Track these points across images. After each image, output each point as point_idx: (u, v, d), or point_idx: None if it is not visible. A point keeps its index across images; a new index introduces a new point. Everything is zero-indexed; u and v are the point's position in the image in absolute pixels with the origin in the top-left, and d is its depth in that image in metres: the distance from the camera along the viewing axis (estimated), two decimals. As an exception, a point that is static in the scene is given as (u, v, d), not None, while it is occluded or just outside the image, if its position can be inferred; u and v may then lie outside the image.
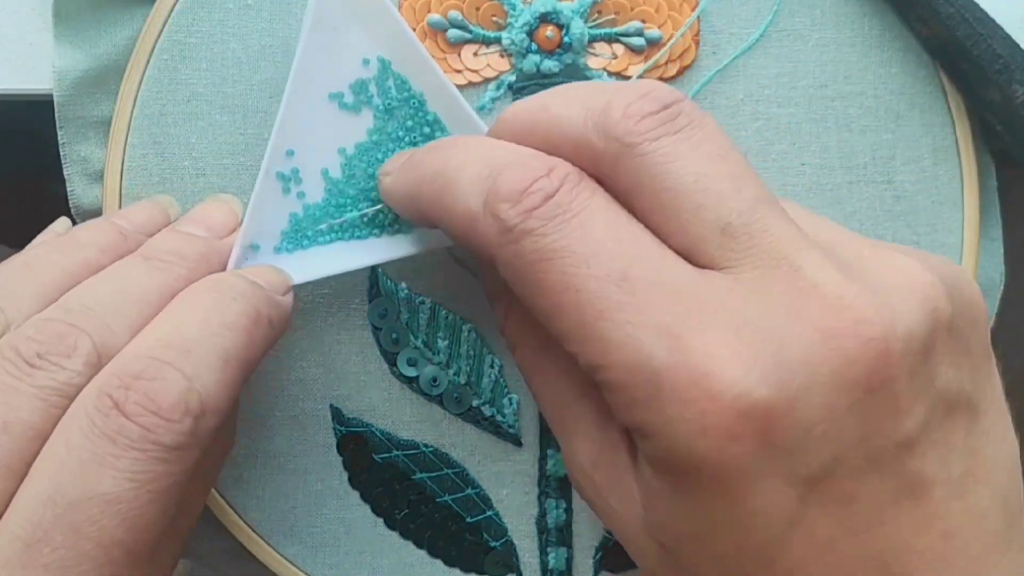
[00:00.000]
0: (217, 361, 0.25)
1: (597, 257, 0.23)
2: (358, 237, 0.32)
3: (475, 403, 0.34)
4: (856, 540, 0.23)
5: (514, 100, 0.33)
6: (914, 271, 0.24)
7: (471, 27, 0.33)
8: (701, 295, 0.22)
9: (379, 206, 0.31)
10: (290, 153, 0.31)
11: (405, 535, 0.35)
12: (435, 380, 0.34)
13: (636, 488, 0.24)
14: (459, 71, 0.33)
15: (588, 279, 0.23)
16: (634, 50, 0.33)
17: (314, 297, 0.34)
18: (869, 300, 0.23)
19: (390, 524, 0.35)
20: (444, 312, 0.34)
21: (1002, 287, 0.36)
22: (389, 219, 0.32)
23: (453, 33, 0.33)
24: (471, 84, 0.33)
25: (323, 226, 0.31)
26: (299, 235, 0.31)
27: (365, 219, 0.31)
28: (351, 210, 0.31)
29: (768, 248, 0.23)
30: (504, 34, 0.33)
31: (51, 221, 0.32)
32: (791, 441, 0.22)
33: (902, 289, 0.23)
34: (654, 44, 0.33)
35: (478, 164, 0.25)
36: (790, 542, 0.23)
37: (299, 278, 0.31)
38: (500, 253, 0.24)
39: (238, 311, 0.26)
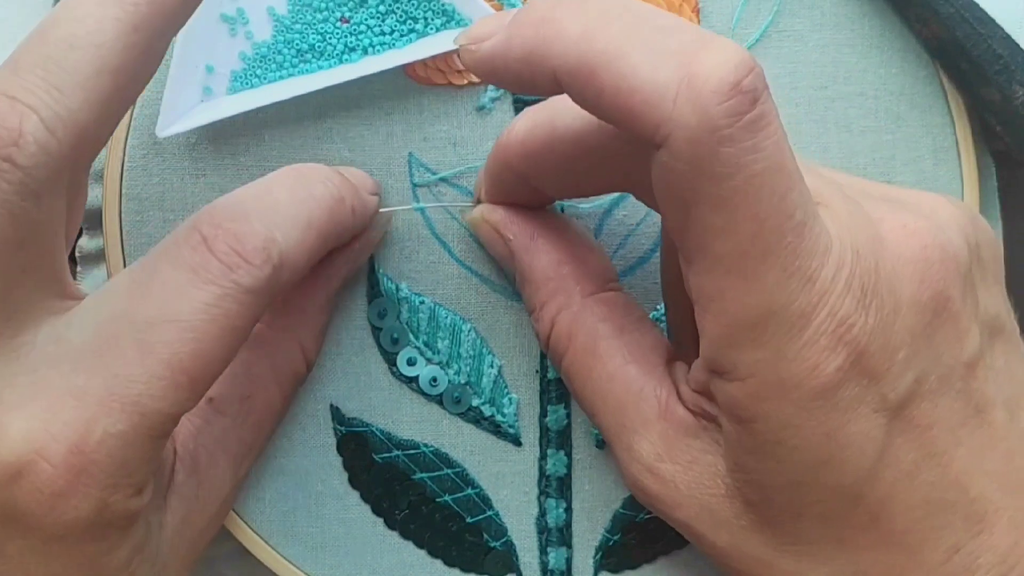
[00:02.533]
0: (299, 223, 0.26)
1: (799, 182, 0.22)
2: (307, 71, 0.32)
3: (475, 403, 0.34)
4: (936, 465, 0.24)
5: (514, 100, 0.33)
6: (945, 204, 0.26)
7: (471, 27, 0.33)
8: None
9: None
10: None
11: (405, 535, 0.35)
12: (435, 380, 0.34)
13: (716, 459, 0.25)
14: (459, 71, 0.33)
15: (794, 206, 0.22)
16: (634, 50, 0.33)
17: (314, 297, 0.34)
18: (926, 225, 0.24)
19: (390, 524, 0.35)
20: (444, 312, 0.34)
21: (1002, 287, 0.36)
22: (338, 49, 0.32)
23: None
24: (471, 84, 0.33)
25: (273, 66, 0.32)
26: (250, 75, 0.32)
27: (312, 51, 0.32)
28: (301, 44, 0.32)
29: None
30: (504, 34, 0.33)
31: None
32: (880, 367, 0.23)
33: (942, 217, 0.25)
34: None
35: (658, 32, 0.22)
36: (878, 474, 0.23)
37: (250, 105, 0.31)
38: (696, 150, 0.21)
39: (323, 191, 0.28)
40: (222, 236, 0.25)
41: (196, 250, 0.24)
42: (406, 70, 0.33)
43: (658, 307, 0.34)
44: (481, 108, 0.33)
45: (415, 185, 0.33)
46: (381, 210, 0.32)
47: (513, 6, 0.33)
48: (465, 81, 0.33)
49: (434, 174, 0.34)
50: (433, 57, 0.33)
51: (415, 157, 0.33)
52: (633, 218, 0.34)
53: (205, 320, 0.24)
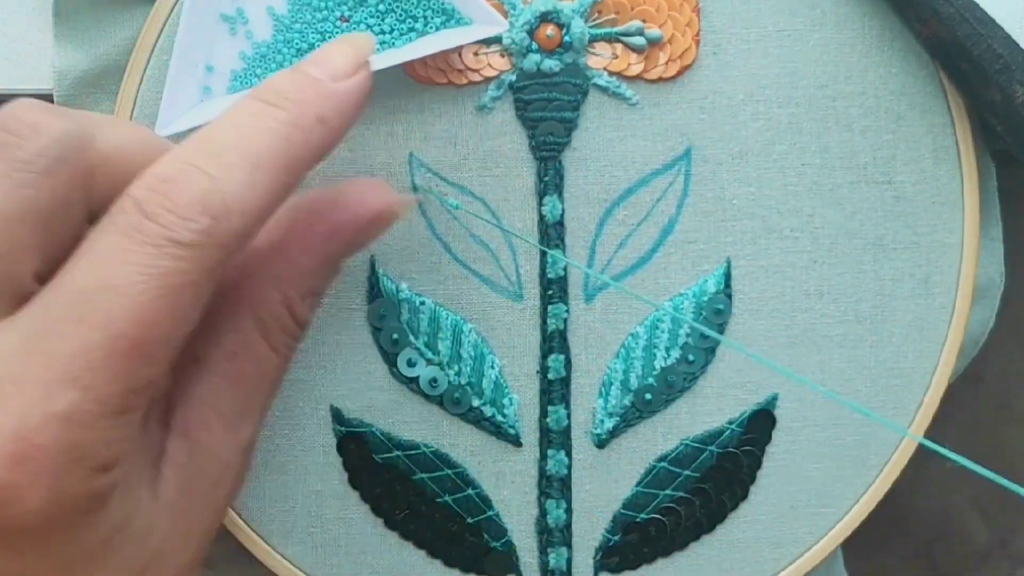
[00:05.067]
0: (247, 162, 0.25)
1: None
2: None
3: (475, 403, 0.34)
4: None
5: (515, 100, 0.33)
6: None
7: (471, 27, 0.33)
8: None
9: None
10: None
11: (405, 535, 0.35)
12: (435, 381, 0.34)
13: None
14: (460, 70, 0.33)
15: None
16: (634, 49, 0.33)
17: (314, 297, 0.34)
18: None
19: (390, 524, 0.35)
20: (444, 312, 0.34)
21: (1002, 287, 0.36)
22: None
23: (453, 33, 0.33)
24: (471, 84, 0.33)
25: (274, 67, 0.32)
26: (250, 75, 0.32)
27: (312, 50, 0.32)
28: (301, 44, 0.32)
29: None
30: (505, 33, 0.33)
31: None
32: None
33: None
34: (654, 43, 0.33)
35: None
36: None
37: None
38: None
39: (274, 115, 0.26)
40: (153, 198, 0.24)
41: (128, 214, 0.24)
42: (407, 69, 0.33)
43: (659, 307, 0.34)
44: (482, 107, 0.33)
45: (415, 185, 0.33)
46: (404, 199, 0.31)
47: (513, 6, 0.33)
48: (466, 80, 0.33)
49: (435, 173, 0.34)
50: (433, 56, 0.33)
51: (416, 157, 0.33)
52: (633, 218, 0.34)
53: (140, 282, 0.23)
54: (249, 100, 0.26)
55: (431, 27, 0.32)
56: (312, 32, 0.32)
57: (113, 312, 0.23)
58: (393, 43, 0.32)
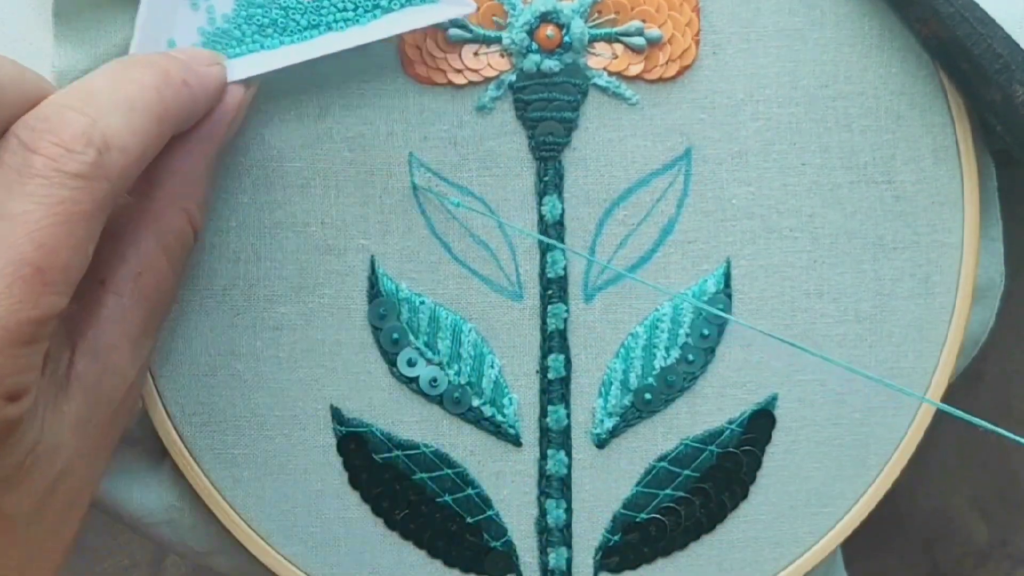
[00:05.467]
0: (121, 106, 0.26)
1: None
2: (269, 47, 0.32)
3: (475, 403, 0.34)
4: None
5: (515, 100, 0.33)
6: None
7: (471, 26, 0.33)
8: None
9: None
10: None
11: (405, 535, 0.35)
12: (435, 381, 0.34)
13: None
14: (459, 70, 0.33)
15: None
16: (634, 49, 0.33)
17: (314, 298, 0.34)
18: None
19: (390, 524, 0.35)
20: (444, 312, 0.34)
21: (1002, 287, 0.36)
22: (301, 25, 0.32)
23: (454, 32, 0.33)
24: (471, 84, 0.33)
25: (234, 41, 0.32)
26: (211, 49, 0.31)
27: (274, 27, 0.32)
28: (263, 20, 0.32)
29: None
30: (504, 34, 0.33)
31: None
32: None
33: None
34: (654, 43, 0.33)
35: None
36: None
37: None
38: None
39: (144, 69, 0.28)
40: (39, 134, 0.25)
41: (16, 153, 0.25)
42: (407, 69, 0.33)
43: (659, 307, 0.34)
44: (481, 108, 0.33)
45: (415, 185, 0.33)
46: (235, 81, 0.31)
47: (513, 6, 0.33)
48: (465, 81, 0.33)
49: (435, 174, 0.34)
50: (434, 56, 0.33)
51: (415, 157, 0.33)
52: (633, 218, 0.34)
53: (36, 209, 0.24)
54: (118, 61, 0.29)
55: (395, 4, 0.32)
56: (275, 8, 0.31)
57: (13, 240, 0.24)
58: (357, 20, 0.32)
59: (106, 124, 0.26)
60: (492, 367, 0.34)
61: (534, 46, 0.33)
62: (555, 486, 0.35)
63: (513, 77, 0.33)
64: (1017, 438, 0.25)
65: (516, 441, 0.35)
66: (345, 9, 0.32)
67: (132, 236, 0.29)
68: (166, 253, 0.30)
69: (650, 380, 0.34)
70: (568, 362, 0.34)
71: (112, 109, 0.26)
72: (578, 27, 0.33)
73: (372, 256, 0.34)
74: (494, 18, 0.33)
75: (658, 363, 0.34)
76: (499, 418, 0.34)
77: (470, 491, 0.35)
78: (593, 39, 0.33)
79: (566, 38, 0.33)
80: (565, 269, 0.34)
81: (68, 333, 0.28)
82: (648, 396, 0.34)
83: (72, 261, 0.25)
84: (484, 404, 0.34)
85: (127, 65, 0.28)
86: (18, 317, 0.24)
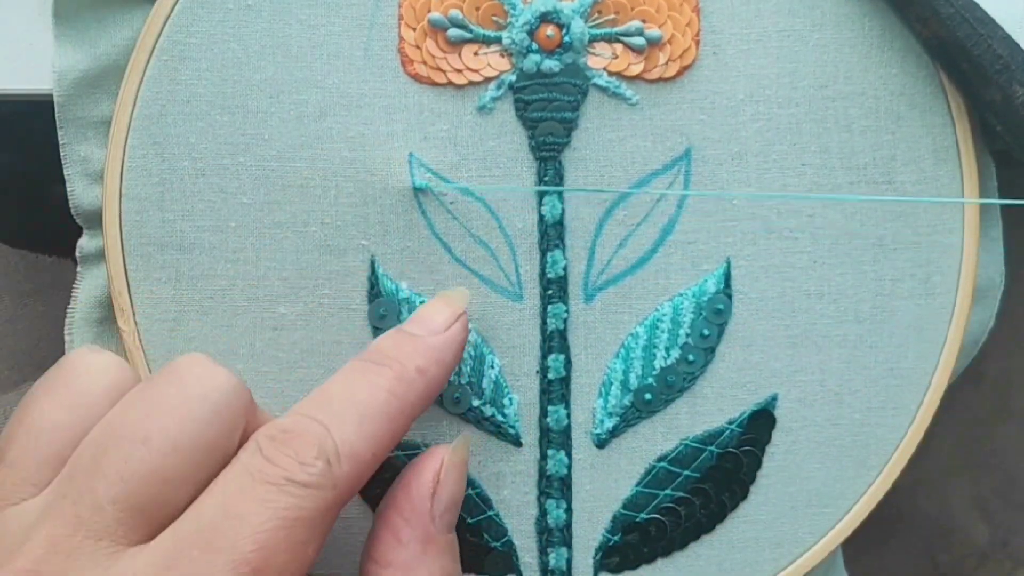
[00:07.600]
0: (355, 416, 0.28)
1: None
2: None
3: (475, 403, 0.34)
4: None
5: (515, 100, 0.33)
6: None
7: (471, 26, 0.33)
8: None
9: None
10: None
11: (405, 535, 0.35)
12: (435, 380, 0.34)
13: None
14: (459, 70, 0.33)
15: None
16: (634, 49, 0.33)
17: (314, 298, 0.34)
18: None
19: (390, 524, 0.35)
20: (444, 312, 0.34)
21: (1002, 287, 0.36)
22: None
23: (453, 32, 0.33)
24: (471, 84, 0.33)
25: None
26: None
27: None
28: None
29: None
30: (504, 34, 0.33)
31: (51, 221, 0.32)
32: None
33: None
34: (654, 43, 0.33)
35: None
36: None
37: None
38: None
39: (378, 372, 0.29)
40: (277, 445, 0.27)
41: (254, 457, 0.27)
42: (407, 70, 0.33)
43: (659, 307, 0.34)
44: (482, 108, 0.33)
45: (415, 186, 0.33)
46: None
47: (513, 6, 0.33)
48: (466, 81, 0.33)
49: (435, 173, 0.34)
50: (433, 56, 0.33)
51: (415, 157, 0.33)
52: (633, 218, 0.34)
53: (262, 513, 0.25)
54: (357, 361, 0.30)
55: None
56: None
57: (237, 539, 0.25)
58: None
59: (340, 433, 0.27)
60: (492, 367, 0.34)
61: (534, 46, 0.33)
62: (555, 486, 0.35)
63: (513, 77, 0.33)
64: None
65: (516, 441, 0.35)
66: None
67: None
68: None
69: (650, 380, 0.34)
70: (568, 362, 0.34)
71: (347, 419, 0.28)
72: (578, 27, 0.33)
73: (372, 256, 0.34)
74: (494, 18, 0.33)
75: (658, 363, 0.34)
76: (499, 418, 0.34)
77: (470, 491, 0.35)
78: (593, 39, 0.33)
79: (566, 38, 0.33)
80: (565, 269, 0.34)
81: None
82: (648, 396, 0.34)
83: (289, 563, 0.26)
84: (484, 404, 0.34)
85: (365, 368, 0.30)
86: None
